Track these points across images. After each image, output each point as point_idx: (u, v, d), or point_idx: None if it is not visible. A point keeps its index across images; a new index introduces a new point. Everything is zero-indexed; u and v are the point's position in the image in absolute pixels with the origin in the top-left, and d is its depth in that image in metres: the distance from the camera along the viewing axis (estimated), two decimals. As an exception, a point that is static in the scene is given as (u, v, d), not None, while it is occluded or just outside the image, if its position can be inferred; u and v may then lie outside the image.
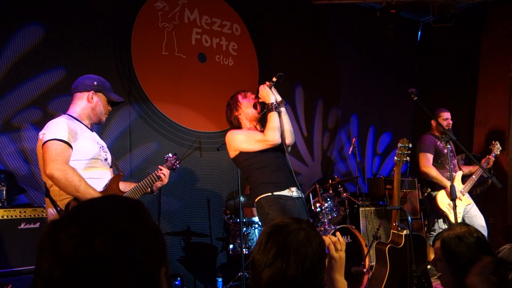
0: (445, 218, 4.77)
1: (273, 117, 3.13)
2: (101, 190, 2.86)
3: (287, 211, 2.98)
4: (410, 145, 3.58)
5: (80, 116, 2.90)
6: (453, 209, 4.04)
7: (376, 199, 5.83)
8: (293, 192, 3.11)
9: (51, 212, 2.74)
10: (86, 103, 2.91)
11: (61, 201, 2.69)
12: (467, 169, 5.10)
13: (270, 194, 3.04)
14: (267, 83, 3.21)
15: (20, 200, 4.07)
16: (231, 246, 4.81)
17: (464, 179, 4.96)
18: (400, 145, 3.55)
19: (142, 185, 3.07)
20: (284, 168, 3.18)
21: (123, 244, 0.82)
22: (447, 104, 6.77)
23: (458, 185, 4.78)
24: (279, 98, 3.24)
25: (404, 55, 7.38)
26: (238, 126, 3.31)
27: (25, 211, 3.53)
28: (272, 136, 3.07)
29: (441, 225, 4.86)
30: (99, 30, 4.71)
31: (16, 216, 3.50)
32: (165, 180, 3.16)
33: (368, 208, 5.59)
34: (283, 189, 3.07)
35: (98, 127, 4.58)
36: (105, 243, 0.80)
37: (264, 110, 3.26)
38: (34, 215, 3.55)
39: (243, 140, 3.16)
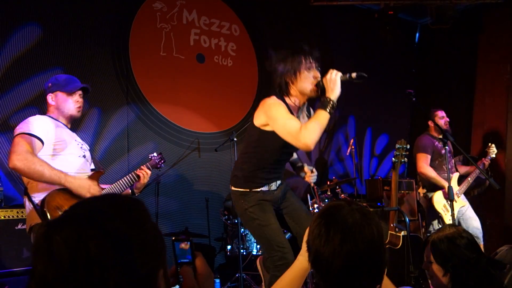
0: (440, 219, 4.77)
1: (322, 116, 2.59)
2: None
3: (265, 202, 2.90)
4: (408, 146, 3.59)
5: (54, 115, 2.99)
6: (451, 210, 4.04)
7: (373, 200, 5.83)
8: (271, 187, 2.94)
9: (28, 206, 2.77)
10: (51, 106, 3.00)
11: (39, 197, 2.72)
12: (464, 170, 5.10)
13: (248, 190, 2.90)
14: (341, 74, 2.70)
15: (17, 200, 4.05)
16: (229, 247, 4.80)
17: (461, 180, 4.96)
18: (398, 146, 3.56)
19: (120, 184, 3.10)
20: (282, 165, 3.01)
21: (118, 247, 0.81)
22: (444, 106, 6.79)
23: (454, 186, 4.78)
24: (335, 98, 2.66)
25: (402, 56, 7.39)
26: (281, 93, 2.81)
27: (22, 212, 3.52)
28: (308, 139, 2.53)
29: (435, 226, 4.86)
30: (97, 30, 4.71)
31: (13, 216, 3.50)
32: (145, 180, 3.19)
33: (366, 210, 5.59)
34: (263, 186, 2.91)
35: (95, 126, 4.59)
36: (100, 246, 0.79)
37: (317, 93, 2.76)
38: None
39: (276, 118, 2.65)
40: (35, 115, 2.93)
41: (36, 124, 2.79)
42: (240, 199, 2.94)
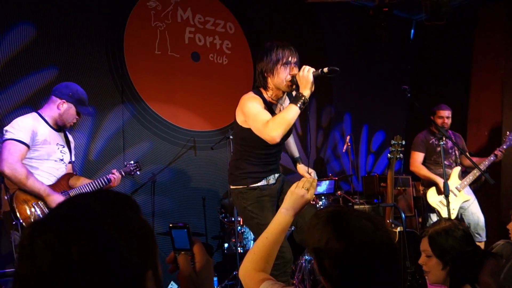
0: (438, 215, 4.78)
1: (291, 110, 2.66)
2: (50, 184, 3.15)
3: (264, 198, 2.92)
4: (403, 142, 3.59)
5: (47, 117, 3.24)
6: (447, 205, 4.05)
7: (370, 197, 5.83)
8: (269, 180, 2.97)
9: (3, 197, 3.09)
10: (55, 109, 3.25)
11: (13, 189, 3.02)
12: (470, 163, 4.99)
13: (245, 187, 2.92)
14: (313, 69, 2.74)
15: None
16: (226, 245, 4.80)
17: (467, 173, 4.89)
18: (394, 142, 3.56)
19: (91, 186, 3.31)
20: (271, 160, 3.01)
21: (103, 251, 0.78)
22: (440, 102, 6.80)
23: (454, 181, 4.77)
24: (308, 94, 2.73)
25: (397, 53, 7.40)
26: (260, 85, 2.91)
27: (18, 212, 3.50)
28: (274, 132, 2.61)
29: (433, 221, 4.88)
30: (92, 29, 4.69)
31: (8, 217, 3.48)
32: (115, 184, 3.44)
33: (363, 206, 5.59)
34: (260, 181, 2.94)
35: (91, 125, 4.58)
36: (82, 251, 0.76)
37: (291, 88, 2.86)
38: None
39: (250, 115, 2.76)
40: (37, 109, 3.25)
41: (25, 128, 3.06)
42: (239, 197, 2.97)
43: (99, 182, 3.35)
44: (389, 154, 3.59)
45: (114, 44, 4.84)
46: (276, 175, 3.01)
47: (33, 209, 2.98)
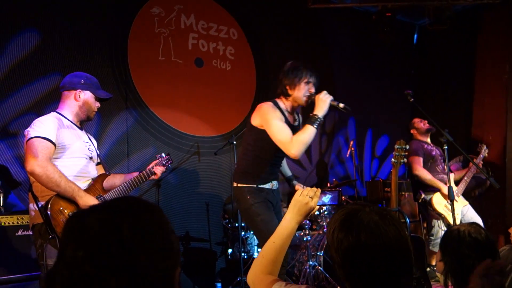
0: (443, 220, 4.77)
1: (309, 131, 2.99)
2: (85, 188, 2.90)
3: (269, 202, 3.22)
4: (407, 147, 3.58)
5: (68, 114, 2.97)
6: (451, 210, 4.04)
7: (374, 202, 5.82)
8: (273, 185, 3.30)
9: (32, 207, 2.81)
10: (73, 101, 2.97)
11: (43, 197, 2.74)
12: (458, 175, 5.10)
13: (255, 186, 3.19)
14: (332, 97, 3.09)
15: (17, 207, 4.05)
16: (229, 250, 4.79)
17: (456, 183, 4.97)
18: (397, 146, 3.55)
19: (131, 183, 3.09)
20: (278, 163, 3.36)
21: (149, 235, 0.86)
22: (443, 106, 6.80)
23: (453, 186, 4.78)
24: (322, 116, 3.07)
25: (401, 58, 7.40)
26: (280, 95, 3.24)
27: (22, 218, 3.51)
28: (296, 150, 2.95)
29: (441, 226, 4.85)
30: (96, 35, 4.72)
31: (13, 223, 3.49)
32: (159, 175, 3.23)
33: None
34: (266, 183, 3.26)
35: (95, 131, 4.58)
36: (132, 230, 0.84)
37: (307, 104, 3.20)
38: (28, 222, 3.53)
39: (273, 126, 3.04)
40: (42, 115, 2.93)
41: (49, 126, 2.79)
42: (247, 195, 3.16)
43: (143, 176, 3.12)
44: (392, 159, 3.58)
45: (118, 50, 4.86)
46: (276, 182, 3.34)
47: None
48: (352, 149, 5.70)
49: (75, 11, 4.60)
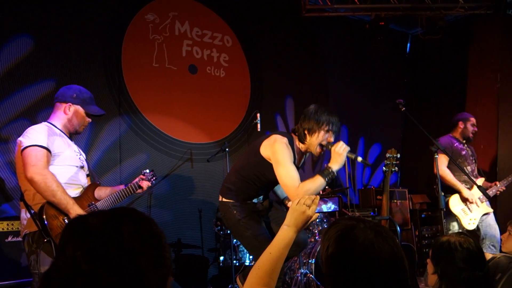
0: (458, 222, 4.62)
1: (319, 183, 2.86)
2: (77, 195, 2.92)
3: (255, 214, 3.14)
4: (399, 156, 3.59)
5: (58, 124, 3.00)
6: (470, 213, 3.98)
7: (367, 210, 5.83)
8: (259, 198, 3.21)
9: (24, 216, 2.82)
10: (62, 114, 3.01)
11: (35, 205, 2.76)
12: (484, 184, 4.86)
13: (240, 203, 3.11)
14: (349, 149, 2.95)
15: (7, 212, 4.02)
16: (221, 258, 4.78)
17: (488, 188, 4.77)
18: (389, 155, 3.57)
19: (120, 194, 3.12)
20: (272, 187, 3.27)
21: (147, 240, 0.89)
22: (436, 115, 6.84)
23: (477, 191, 4.58)
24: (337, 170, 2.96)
25: (393, 66, 7.46)
26: (299, 138, 3.08)
27: (12, 224, 3.50)
28: (300, 196, 2.81)
29: (454, 229, 4.65)
30: (90, 41, 4.72)
31: (3, 229, 3.47)
32: (144, 190, 3.27)
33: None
34: (253, 199, 3.18)
35: (87, 137, 4.58)
36: (132, 234, 0.87)
37: (323, 151, 3.07)
38: (19, 228, 3.51)
39: (281, 164, 2.88)
40: (32, 125, 2.93)
41: (44, 134, 2.82)
42: (233, 210, 3.07)
43: (130, 189, 3.16)
44: (384, 168, 3.60)
45: (112, 56, 4.86)
46: (261, 196, 3.23)
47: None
48: (345, 157, 5.70)
49: (69, 17, 4.60)
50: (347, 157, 2.94)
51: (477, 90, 6.53)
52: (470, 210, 4.58)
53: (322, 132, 2.98)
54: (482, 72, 6.46)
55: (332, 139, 3.02)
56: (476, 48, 6.59)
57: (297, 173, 2.90)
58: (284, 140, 2.96)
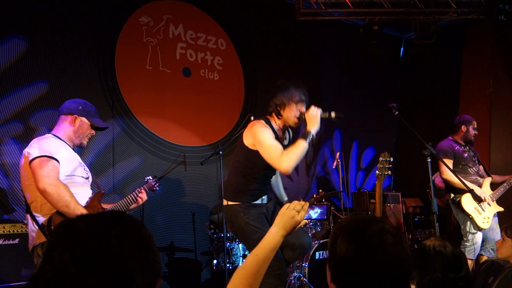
0: (472, 222, 4.54)
1: (301, 146, 2.94)
2: (84, 205, 2.91)
3: (263, 216, 3.19)
4: (391, 159, 3.61)
5: (63, 136, 3.02)
6: (483, 212, 3.98)
7: (360, 213, 5.84)
8: (263, 199, 3.25)
9: (32, 228, 2.81)
10: (68, 126, 3.04)
11: (45, 215, 2.76)
12: (500, 179, 4.88)
13: (247, 203, 3.15)
14: (321, 111, 3.08)
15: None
16: (215, 261, 4.77)
17: (493, 186, 4.75)
18: (382, 159, 3.58)
19: (120, 205, 3.15)
20: (267, 182, 3.32)
21: (135, 244, 0.89)
22: (429, 119, 6.87)
23: (487, 190, 4.63)
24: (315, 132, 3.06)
25: (387, 70, 7.49)
26: (272, 113, 3.20)
27: (4, 227, 3.46)
28: (287, 164, 2.88)
29: (471, 230, 4.55)
30: (83, 44, 4.70)
31: (-7, 232, 3.44)
32: (139, 204, 3.26)
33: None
34: (258, 199, 3.21)
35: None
36: (120, 237, 0.86)
37: (297, 125, 3.21)
38: (14, 231, 3.49)
39: (262, 141, 2.99)
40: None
41: (53, 145, 2.85)
42: (240, 213, 3.12)
43: (128, 201, 3.17)
44: (377, 171, 3.61)
45: (106, 59, 4.85)
46: (265, 196, 3.28)
47: None
48: (338, 160, 5.72)
49: (62, 19, 4.58)
50: (321, 119, 3.07)
51: (470, 94, 6.57)
52: (483, 209, 4.53)
53: (293, 104, 3.11)
54: (475, 76, 6.51)
55: (303, 109, 3.14)
56: (469, 53, 6.64)
57: (279, 144, 3.01)
58: (260, 121, 3.12)
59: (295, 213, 1.67)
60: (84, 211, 2.78)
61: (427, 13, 6.06)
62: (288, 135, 3.42)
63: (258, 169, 3.13)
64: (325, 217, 5.17)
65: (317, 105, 3.13)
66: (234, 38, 5.91)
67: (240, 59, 5.94)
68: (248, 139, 3.12)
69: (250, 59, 6.02)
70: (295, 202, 1.71)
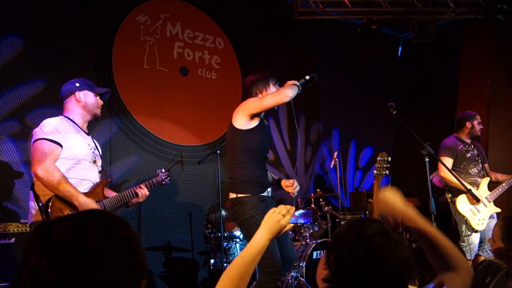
0: (466, 224, 4.49)
1: (292, 83, 3.22)
2: (86, 191, 2.94)
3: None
4: (389, 159, 3.59)
5: (75, 117, 3.05)
6: (478, 214, 4.00)
7: (358, 213, 5.84)
8: (269, 192, 3.27)
9: (32, 205, 2.88)
10: (75, 104, 3.05)
11: (44, 196, 2.80)
12: (500, 177, 4.82)
13: (257, 195, 3.15)
14: (294, 81, 3.29)
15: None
16: (212, 261, 4.76)
17: (491, 186, 4.69)
18: (379, 158, 3.56)
19: (120, 197, 3.12)
20: (266, 161, 3.36)
21: (115, 245, 0.86)
22: (427, 118, 6.86)
23: (484, 191, 4.58)
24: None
25: (385, 70, 7.48)
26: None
27: (-1, 226, 3.45)
28: (286, 94, 3.11)
29: (465, 232, 4.51)
30: (80, 42, 4.68)
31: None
32: (140, 200, 3.23)
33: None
34: (265, 191, 3.21)
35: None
36: (98, 240, 0.84)
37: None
38: (9, 230, 3.47)
39: (255, 101, 3.17)
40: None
41: (55, 127, 2.87)
42: (248, 205, 3.11)
43: (128, 194, 3.16)
44: (375, 171, 3.59)
45: (103, 58, 4.83)
46: (270, 188, 3.31)
47: None
48: (336, 160, 5.71)
49: (59, 18, 4.57)
50: (302, 84, 3.30)
51: (468, 94, 6.57)
52: (478, 211, 4.48)
53: (271, 85, 3.34)
54: (473, 76, 6.51)
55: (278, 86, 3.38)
56: (467, 52, 6.64)
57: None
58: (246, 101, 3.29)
59: (280, 217, 1.67)
60: (75, 192, 2.79)
61: (425, 13, 6.06)
62: (268, 123, 3.49)
63: (256, 150, 3.20)
64: (311, 221, 5.16)
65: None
66: (232, 37, 5.89)
67: (238, 59, 5.93)
68: (238, 120, 3.21)
69: (248, 59, 6.01)
70: (281, 206, 1.71)
